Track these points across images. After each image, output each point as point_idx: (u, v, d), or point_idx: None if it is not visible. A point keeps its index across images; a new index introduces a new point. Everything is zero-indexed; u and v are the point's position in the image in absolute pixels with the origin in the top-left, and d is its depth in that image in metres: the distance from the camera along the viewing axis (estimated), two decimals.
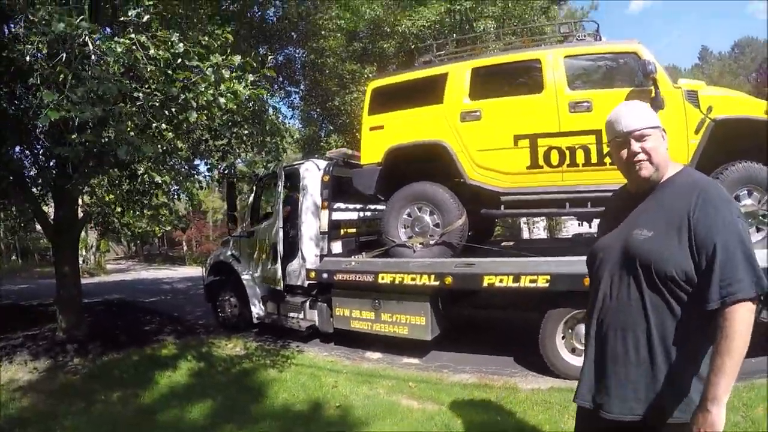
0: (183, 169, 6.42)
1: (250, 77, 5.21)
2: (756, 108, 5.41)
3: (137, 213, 8.22)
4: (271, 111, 6.59)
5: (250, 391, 5.57)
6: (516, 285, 5.41)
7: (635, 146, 1.88)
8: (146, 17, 4.69)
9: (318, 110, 13.31)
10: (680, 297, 1.74)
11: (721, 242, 1.66)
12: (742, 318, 1.60)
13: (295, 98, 11.68)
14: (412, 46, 10.75)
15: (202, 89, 4.67)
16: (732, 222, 1.71)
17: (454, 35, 10.84)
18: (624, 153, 1.91)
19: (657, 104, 5.27)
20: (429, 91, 6.20)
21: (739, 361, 1.59)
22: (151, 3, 4.81)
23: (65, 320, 7.26)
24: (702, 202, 1.75)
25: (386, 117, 6.43)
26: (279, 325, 7.97)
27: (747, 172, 5.31)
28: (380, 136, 6.41)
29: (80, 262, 21.30)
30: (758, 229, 5.35)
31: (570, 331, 5.51)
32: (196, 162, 7.18)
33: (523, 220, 18.82)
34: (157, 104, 4.72)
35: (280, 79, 10.91)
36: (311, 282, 7.27)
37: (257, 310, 8.25)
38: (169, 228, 8.83)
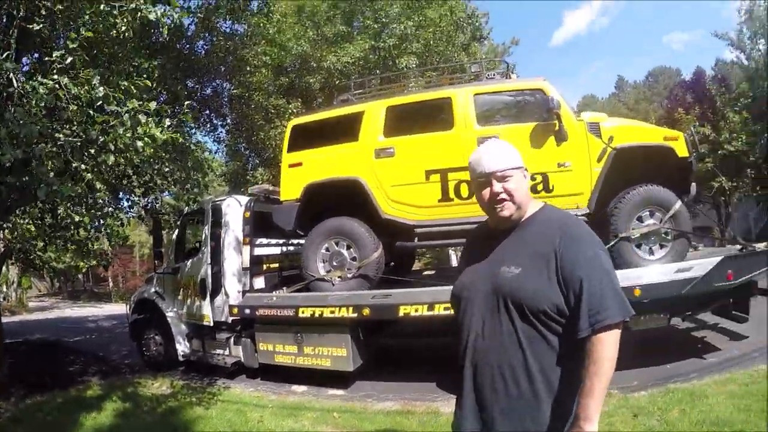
0: (105, 207, 6.31)
1: (167, 122, 5.24)
2: (654, 135, 5.97)
3: (60, 248, 7.94)
4: (194, 147, 6.64)
5: (176, 430, 5.52)
6: (431, 313, 5.61)
7: (497, 186, 1.89)
8: (69, 59, 4.68)
9: (244, 144, 13.28)
10: (554, 328, 1.77)
11: (586, 275, 1.72)
12: (609, 343, 1.69)
13: (221, 132, 11.62)
14: (337, 82, 10.96)
15: (120, 132, 4.62)
16: (595, 255, 1.79)
17: (378, 71, 11.16)
18: (486, 193, 1.92)
19: (561, 137, 5.73)
20: (346, 129, 6.37)
21: (608, 383, 1.70)
22: (75, 45, 4.80)
23: None
24: (566, 238, 1.81)
25: (305, 154, 6.54)
26: (205, 363, 7.84)
27: (647, 195, 5.74)
28: (299, 172, 6.50)
29: (0, 299, 20.29)
30: (661, 246, 5.82)
31: None
32: (120, 197, 7.12)
33: (451, 248, 19.28)
34: (78, 145, 4.68)
35: (207, 112, 10.83)
36: (235, 318, 7.20)
37: (182, 347, 8.11)
38: (93, 263, 8.58)
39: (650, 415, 4.62)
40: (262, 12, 9.80)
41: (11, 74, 4.21)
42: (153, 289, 8.76)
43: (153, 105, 4.81)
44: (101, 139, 4.66)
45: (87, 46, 5.39)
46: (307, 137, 6.65)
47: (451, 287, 2.10)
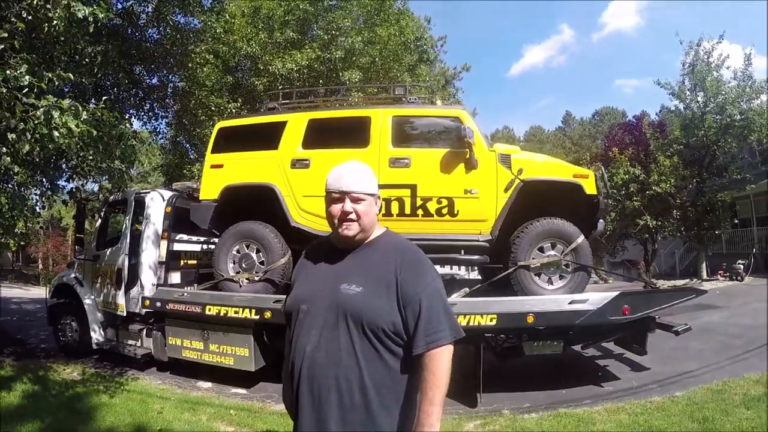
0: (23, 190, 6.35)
1: (84, 114, 5.30)
2: (564, 171, 6.17)
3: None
4: (123, 135, 6.69)
5: (79, 414, 5.58)
6: None
7: (348, 206, 1.94)
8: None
9: (186, 138, 13.17)
10: (390, 347, 1.85)
11: (425, 299, 1.85)
12: (444, 358, 1.83)
13: (161, 123, 11.53)
14: (280, 87, 11.10)
15: (36, 123, 4.82)
16: (432, 281, 1.93)
17: (321, 82, 11.38)
18: (337, 209, 1.96)
19: (471, 165, 5.93)
20: (268, 137, 6.44)
21: (444, 394, 1.82)
22: (5, 35, 4.98)
23: None
24: (406, 263, 1.92)
25: (227, 157, 6.59)
26: (117, 352, 7.82)
27: (550, 227, 5.96)
28: (219, 174, 6.54)
29: None
30: (560, 277, 6.03)
31: None
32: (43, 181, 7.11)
33: None
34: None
35: (149, 103, 10.75)
36: (147, 310, 7.21)
37: (97, 336, 8.04)
38: (22, 243, 8.45)
39: None
40: (214, 9, 9.93)
41: None
42: (73, 275, 8.63)
43: (66, 102, 5.00)
44: (20, 127, 4.83)
45: (23, 32, 5.45)
46: (231, 140, 6.70)
47: (289, 296, 2.13)
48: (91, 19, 5.29)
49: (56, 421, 5.31)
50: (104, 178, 7.46)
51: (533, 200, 6.05)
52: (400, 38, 12.26)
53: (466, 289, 6.18)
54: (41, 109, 4.83)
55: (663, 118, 22.77)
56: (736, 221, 22.26)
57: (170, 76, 10.62)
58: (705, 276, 18.66)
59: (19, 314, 12.71)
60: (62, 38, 6.03)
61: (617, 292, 5.78)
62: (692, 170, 18.65)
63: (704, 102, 17.95)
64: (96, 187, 9.54)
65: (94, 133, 5.36)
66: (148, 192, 8.04)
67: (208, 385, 6.93)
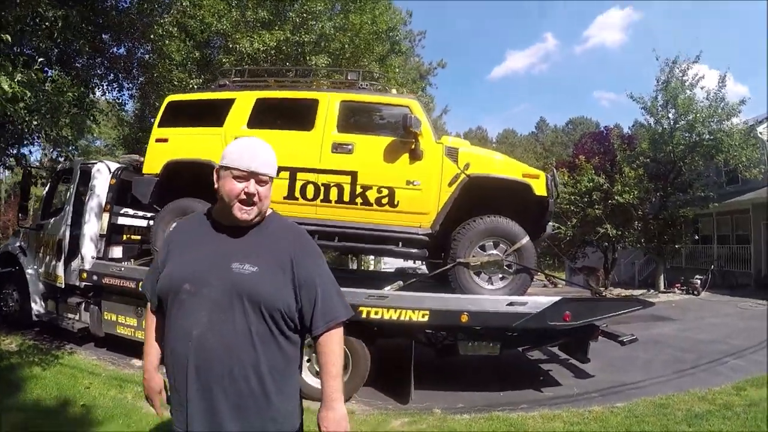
0: None
1: (19, 76, 5.20)
2: (513, 170, 5.89)
3: None
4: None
5: (9, 385, 5.52)
6: None
7: (253, 187, 1.85)
8: None
9: (150, 112, 12.71)
10: (283, 329, 1.84)
11: (320, 282, 1.89)
12: (340, 336, 1.92)
13: (125, 94, 11.24)
14: (258, 69, 10.95)
15: None
16: (324, 263, 1.98)
17: (288, 64, 11.20)
18: (238, 188, 1.84)
19: (415, 155, 5.72)
20: (215, 114, 6.18)
21: (341, 368, 1.93)
22: None
23: None
24: (300, 247, 1.92)
25: (173, 131, 6.33)
26: (55, 325, 7.68)
27: (493, 225, 5.75)
28: (164, 148, 6.28)
29: None
30: (502, 278, 5.82)
31: (314, 354, 5.84)
32: None
33: None
34: None
35: (113, 73, 10.45)
36: (87, 284, 6.98)
37: (37, 307, 7.87)
38: None
39: None
40: None
41: None
42: (18, 244, 8.40)
43: None
44: None
45: None
46: (178, 115, 6.43)
47: (161, 275, 1.93)
48: None
49: None
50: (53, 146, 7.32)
51: (480, 197, 5.86)
52: (372, 27, 12.07)
53: (400, 282, 6.04)
54: None
55: (635, 132, 22.86)
56: (697, 237, 22.46)
57: (137, 47, 10.34)
58: (662, 288, 18.82)
59: None
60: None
61: (559, 298, 5.65)
62: (657, 184, 18.71)
63: (675, 119, 18.02)
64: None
65: (28, 94, 5.21)
66: (95, 162, 7.77)
67: (141, 363, 6.78)
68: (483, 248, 5.83)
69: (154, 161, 6.35)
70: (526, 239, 5.76)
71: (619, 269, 23.65)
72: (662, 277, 19.51)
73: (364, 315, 5.52)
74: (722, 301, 15.30)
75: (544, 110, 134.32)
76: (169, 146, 6.30)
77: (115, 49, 10.07)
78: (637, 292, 15.71)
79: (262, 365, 1.79)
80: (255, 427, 1.79)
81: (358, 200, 5.81)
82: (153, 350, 2.06)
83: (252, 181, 1.85)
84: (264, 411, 1.80)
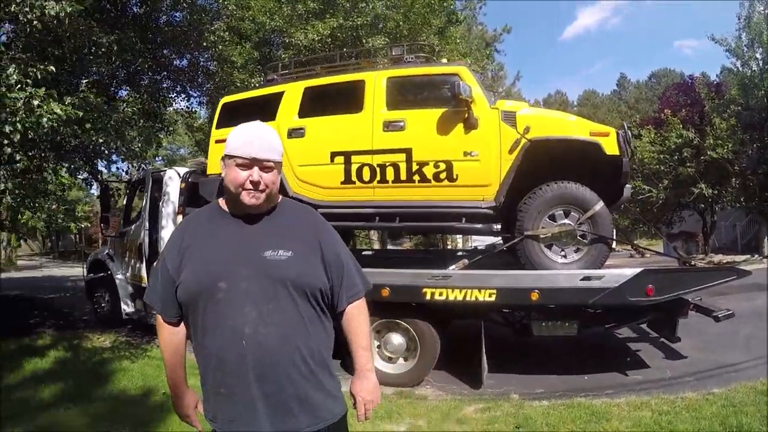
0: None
1: (68, 99, 5.72)
2: (579, 129, 5.42)
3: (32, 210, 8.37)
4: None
5: (99, 378, 5.94)
6: None
7: (256, 175, 1.78)
8: None
9: None
10: (323, 308, 1.86)
11: (343, 258, 1.93)
12: (364, 308, 1.98)
13: (193, 102, 11.74)
14: (304, 59, 11.07)
15: (22, 115, 5.30)
16: (341, 242, 2.00)
17: (345, 50, 11.22)
18: (243, 176, 1.78)
19: (470, 124, 5.39)
20: (267, 109, 6.18)
21: (370, 340, 2.03)
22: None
23: None
24: (321, 228, 1.93)
25: (230, 131, 6.58)
26: (144, 322, 8.25)
27: (561, 192, 5.33)
28: (223, 148, 6.53)
29: None
30: (576, 250, 5.40)
31: (382, 339, 5.76)
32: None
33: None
34: None
35: (180, 84, 10.96)
36: None
37: (127, 307, 8.51)
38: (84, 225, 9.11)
39: (534, 429, 4.33)
40: None
41: None
42: (106, 251, 9.23)
43: (41, 91, 5.40)
44: (10, 119, 5.32)
45: (23, 33, 6.04)
46: (234, 115, 6.51)
47: (182, 279, 1.80)
48: (63, 14, 5.52)
49: (77, 384, 5.66)
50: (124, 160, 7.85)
51: (546, 162, 5.41)
52: (424, 0, 11.79)
53: (465, 261, 5.77)
54: (21, 101, 5.29)
55: (723, 78, 20.78)
56: None
57: (198, 57, 10.72)
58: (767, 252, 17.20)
59: (72, 291, 13.42)
60: (51, 35, 6.35)
61: (640, 269, 5.11)
62: (752, 134, 16.98)
63: (763, 59, 16.29)
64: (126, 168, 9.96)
65: (80, 114, 5.76)
66: (166, 170, 8.36)
67: None
68: (553, 218, 5.39)
69: (215, 161, 6.50)
70: (599, 205, 5.26)
71: (719, 233, 21.91)
72: (766, 239, 17.82)
73: (428, 296, 5.36)
74: None
75: (624, 66, 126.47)
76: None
77: (177, 62, 10.48)
78: (739, 258, 14.42)
79: (317, 347, 1.81)
80: (322, 410, 1.81)
81: (416, 178, 5.58)
82: (177, 363, 1.95)
83: (255, 168, 1.79)
84: (324, 391, 1.82)
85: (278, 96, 6.28)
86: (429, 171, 5.54)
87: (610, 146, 5.28)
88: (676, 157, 18.25)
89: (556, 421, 4.44)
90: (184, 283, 1.79)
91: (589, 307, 5.39)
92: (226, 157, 1.83)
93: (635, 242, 8.20)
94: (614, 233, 5.63)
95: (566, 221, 5.37)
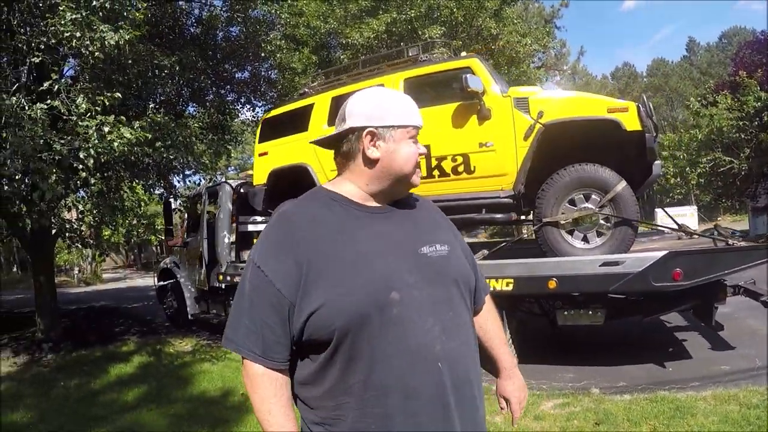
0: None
1: (137, 124, 6.80)
2: (596, 107, 5.56)
3: (111, 226, 9.93)
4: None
5: (180, 380, 6.88)
6: None
7: (419, 146, 1.61)
8: (57, 87, 6.55)
9: None
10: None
11: (472, 254, 1.76)
12: (493, 303, 1.88)
13: (258, 112, 12.90)
14: (362, 57, 11.83)
15: (95, 142, 6.27)
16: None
17: (403, 44, 11.88)
18: (416, 149, 1.59)
19: (483, 115, 5.79)
20: (301, 120, 7.22)
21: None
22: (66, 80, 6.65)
23: (43, 323, 9.06)
24: (445, 216, 1.76)
25: (271, 144, 7.58)
26: (208, 323, 9.86)
27: (578, 174, 5.52)
28: (266, 160, 7.54)
29: (76, 271, 23.88)
30: (598, 234, 5.59)
31: None
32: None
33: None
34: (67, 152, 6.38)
35: (244, 95, 12.16)
36: (224, 284, 8.79)
37: (191, 309, 10.18)
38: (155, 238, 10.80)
39: (615, 425, 4.34)
40: None
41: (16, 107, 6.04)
42: (171, 260, 11.16)
43: (111, 119, 6.37)
44: (83, 146, 6.31)
45: (87, 65, 6.94)
46: (272, 129, 7.69)
47: (324, 301, 1.36)
48: (122, 42, 6.32)
49: (159, 386, 6.61)
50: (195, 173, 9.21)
51: (567, 146, 5.67)
52: None
53: (485, 251, 6.24)
54: (92, 129, 6.27)
55: None
56: None
57: (258, 67, 11.85)
58: None
59: (154, 299, 15.21)
60: (115, 64, 7.38)
61: (664, 252, 5.13)
62: None
63: None
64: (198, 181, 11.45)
65: (149, 136, 6.77)
66: (219, 183, 9.91)
67: None
68: (573, 203, 5.62)
69: (260, 173, 7.68)
70: (621, 186, 5.38)
71: None
72: None
73: None
74: None
75: (691, 29, 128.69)
76: (270, 158, 7.57)
77: (238, 75, 11.76)
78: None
79: (477, 355, 1.65)
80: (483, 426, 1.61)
81: (435, 173, 6.13)
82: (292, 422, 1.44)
83: (416, 139, 1.61)
84: (482, 408, 1.61)
85: (309, 108, 7.28)
86: (447, 165, 6.07)
87: (631, 122, 5.35)
88: (756, 122, 17.14)
89: (638, 416, 4.47)
90: (331, 305, 1.37)
91: (613, 294, 5.52)
92: (392, 129, 1.54)
93: (716, 222, 7.84)
94: (640, 214, 5.72)
95: (587, 205, 5.55)
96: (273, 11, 10.84)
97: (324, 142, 1.68)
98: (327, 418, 1.41)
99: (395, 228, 1.53)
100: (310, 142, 2.00)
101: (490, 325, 1.83)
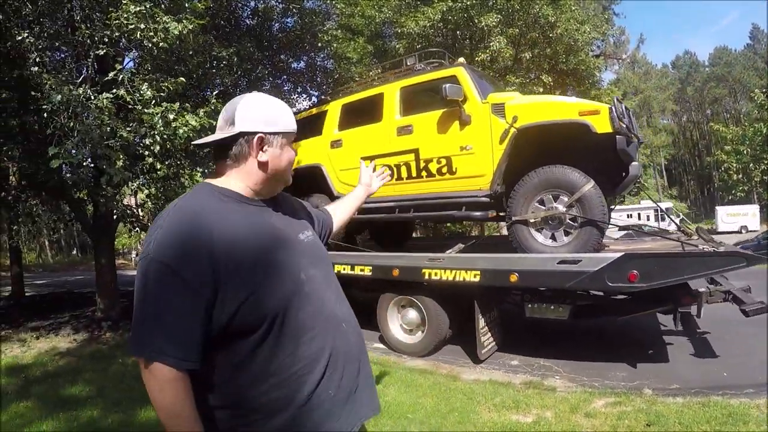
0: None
1: (201, 111, 7.72)
2: (567, 110, 6.13)
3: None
4: None
5: None
6: (353, 273, 7.84)
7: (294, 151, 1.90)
8: (121, 76, 7.27)
9: None
10: None
11: (311, 204, 2.32)
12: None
13: (315, 101, 13.82)
14: (418, 47, 12.64)
15: (160, 128, 7.12)
16: None
17: (459, 33, 12.58)
18: (291, 155, 1.87)
19: (464, 121, 6.83)
20: (317, 125, 8.87)
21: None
22: (131, 69, 7.56)
23: (102, 303, 10.53)
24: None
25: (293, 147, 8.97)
26: None
27: (546, 176, 6.24)
28: None
29: (134, 255, 29.84)
30: (566, 233, 6.27)
31: (400, 314, 7.73)
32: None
33: None
34: (133, 140, 7.38)
35: (300, 85, 13.26)
36: None
37: None
38: None
39: (666, 428, 4.58)
40: None
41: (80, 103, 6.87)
42: None
43: (176, 106, 7.24)
44: (150, 133, 7.22)
45: (149, 56, 7.90)
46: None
47: (255, 288, 1.59)
48: (186, 32, 7.17)
49: None
50: None
51: (539, 149, 6.42)
52: None
53: (461, 245, 7.46)
54: (157, 116, 7.08)
55: None
56: None
57: (314, 57, 13.22)
58: None
59: None
60: (175, 55, 8.68)
61: (620, 254, 5.65)
62: None
63: None
64: None
65: (213, 123, 7.81)
66: None
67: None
68: (542, 203, 6.38)
69: None
70: (587, 187, 6.00)
71: None
72: None
73: (426, 276, 7.09)
74: None
75: (755, 16, 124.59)
76: None
77: (294, 65, 13.34)
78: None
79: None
80: (373, 390, 1.94)
81: (423, 173, 7.40)
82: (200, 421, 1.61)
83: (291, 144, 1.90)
84: (370, 371, 1.96)
85: (323, 114, 9.01)
86: (433, 167, 7.31)
87: (601, 124, 5.87)
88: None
89: (689, 420, 4.70)
90: (260, 291, 1.59)
91: (572, 291, 6.24)
92: (278, 135, 1.79)
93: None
94: (608, 215, 6.27)
95: (554, 205, 6.28)
96: (328, 1, 12.22)
97: (209, 144, 1.81)
98: (260, 395, 1.61)
99: (280, 219, 1.82)
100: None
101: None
